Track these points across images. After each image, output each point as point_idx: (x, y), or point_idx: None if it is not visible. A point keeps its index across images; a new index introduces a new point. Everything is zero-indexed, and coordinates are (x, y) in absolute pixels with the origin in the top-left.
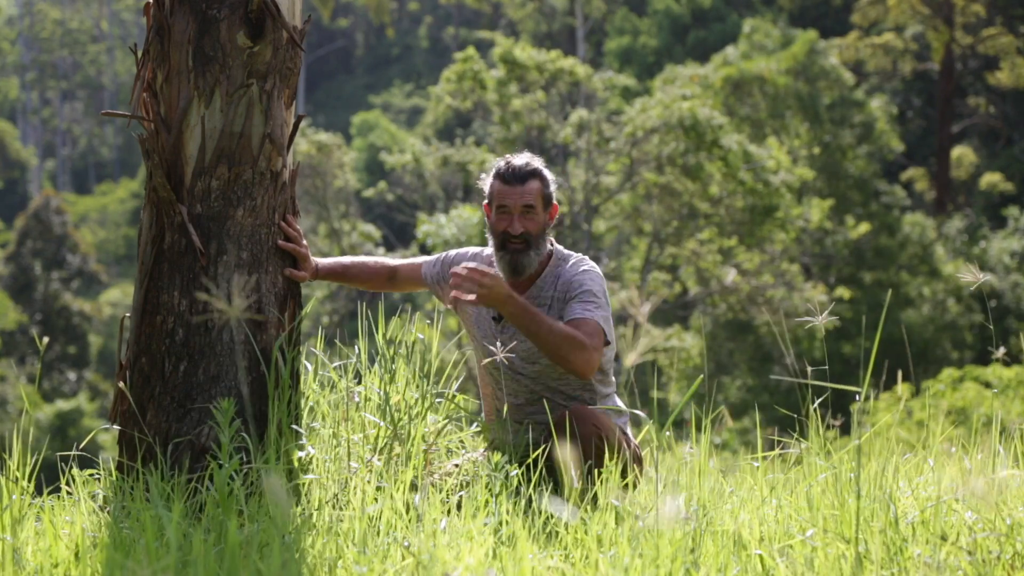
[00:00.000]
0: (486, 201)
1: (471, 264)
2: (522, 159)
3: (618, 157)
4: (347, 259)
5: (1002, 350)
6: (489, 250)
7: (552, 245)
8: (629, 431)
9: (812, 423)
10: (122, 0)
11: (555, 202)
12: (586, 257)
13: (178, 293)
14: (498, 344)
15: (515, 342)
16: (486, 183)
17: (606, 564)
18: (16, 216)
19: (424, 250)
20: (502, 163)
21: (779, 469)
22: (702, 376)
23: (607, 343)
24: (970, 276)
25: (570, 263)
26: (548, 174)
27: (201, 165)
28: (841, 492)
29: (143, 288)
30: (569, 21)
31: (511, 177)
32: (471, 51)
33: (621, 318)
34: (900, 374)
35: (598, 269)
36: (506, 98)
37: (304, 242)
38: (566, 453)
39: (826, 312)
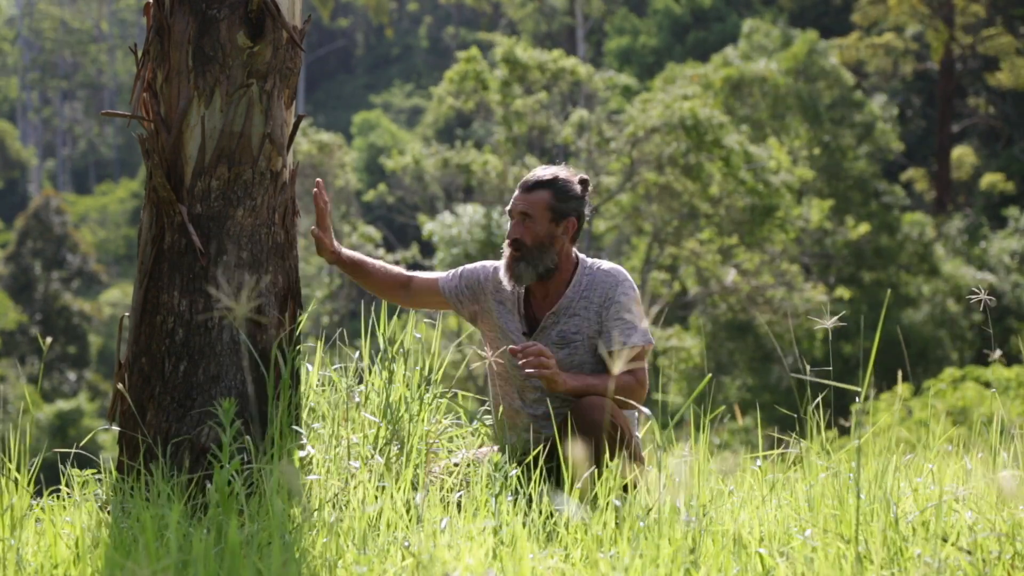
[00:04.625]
0: None
1: (537, 346)
2: (546, 171)
3: (618, 157)
4: (367, 257)
5: (998, 352)
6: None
7: (576, 256)
8: (637, 431)
9: (812, 423)
10: (122, 0)
11: (571, 216)
12: (612, 263)
13: (178, 293)
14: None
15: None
16: None
17: (606, 564)
18: (16, 216)
19: (428, 248)
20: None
21: (779, 469)
22: (709, 375)
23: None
24: (978, 295)
25: (599, 268)
26: (569, 188)
27: (201, 165)
28: (841, 492)
29: (143, 288)
30: (569, 21)
31: (522, 186)
32: (474, 51)
33: None
34: (900, 374)
35: (627, 274)
36: (509, 98)
37: (329, 220)
38: (573, 449)
39: (835, 317)
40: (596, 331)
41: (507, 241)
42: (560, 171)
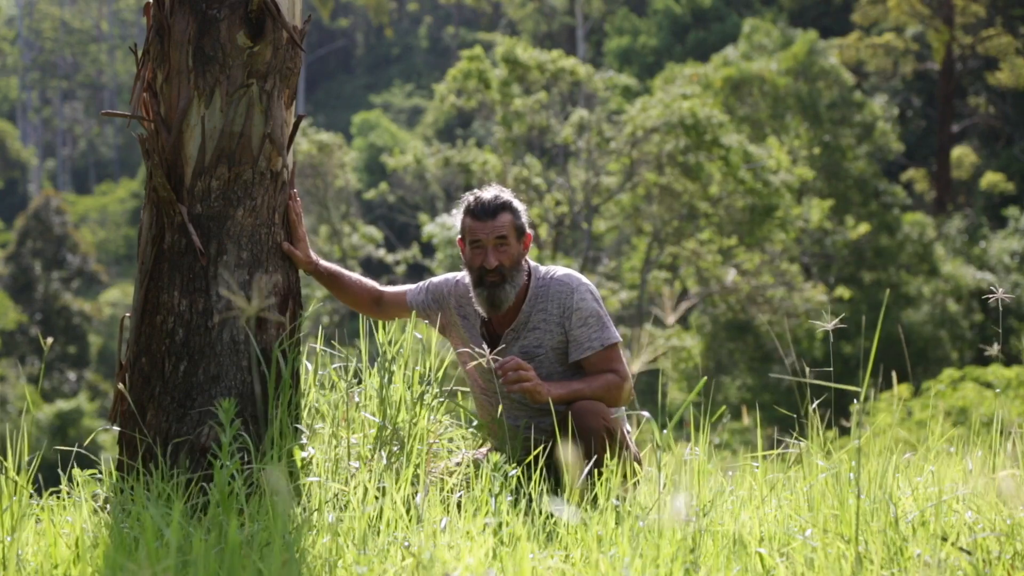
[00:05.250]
0: (460, 237)
1: (517, 360)
2: (491, 193)
3: (618, 157)
4: (344, 271)
5: (996, 346)
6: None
7: (528, 265)
8: (629, 432)
9: (812, 423)
10: (122, 0)
11: (528, 231)
12: (565, 269)
13: (178, 293)
14: (490, 361)
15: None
16: (458, 219)
17: (606, 564)
18: (16, 216)
19: (429, 248)
20: (471, 198)
21: (779, 469)
22: (706, 378)
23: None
24: (994, 294)
25: (552, 277)
26: (519, 205)
27: (201, 165)
28: (841, 492)
29: (143, 288)
30: (569, 21)
31: (481, 212)
32: (478, 50)
33: (631, 318)
34: (895, 375)
35: (582, 278)
36: (509, 98)
37: (303, 230)
38: (569, 452)
39: (835, 320)
40: (561, 342)
41: (480, 270)
42: (503, 191)
